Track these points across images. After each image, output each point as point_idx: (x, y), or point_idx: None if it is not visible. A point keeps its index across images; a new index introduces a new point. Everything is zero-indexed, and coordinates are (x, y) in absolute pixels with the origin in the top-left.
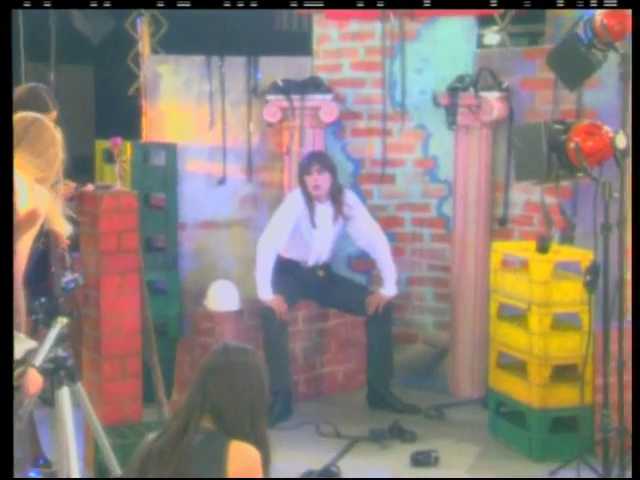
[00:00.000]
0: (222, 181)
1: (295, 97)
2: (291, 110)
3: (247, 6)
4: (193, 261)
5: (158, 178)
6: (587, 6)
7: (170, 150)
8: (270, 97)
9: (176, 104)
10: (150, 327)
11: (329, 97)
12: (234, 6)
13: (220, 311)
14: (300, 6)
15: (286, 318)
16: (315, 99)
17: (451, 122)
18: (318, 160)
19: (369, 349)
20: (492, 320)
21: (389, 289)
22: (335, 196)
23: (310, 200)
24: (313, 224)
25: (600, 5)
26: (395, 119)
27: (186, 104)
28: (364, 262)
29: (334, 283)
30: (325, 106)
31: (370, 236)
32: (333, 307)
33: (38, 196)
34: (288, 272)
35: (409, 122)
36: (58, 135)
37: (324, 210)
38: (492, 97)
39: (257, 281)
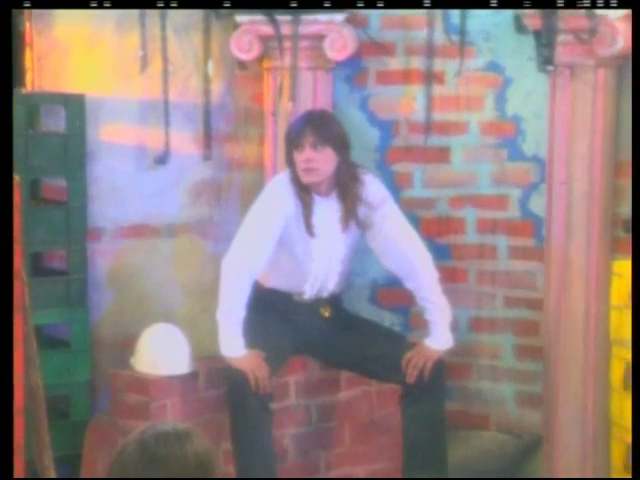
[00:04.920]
0: (162, 159)
1: (283, 18)
2: (277, 40)
3: (248, 6)
4: (112, 291)
5: (54, 153)
6: (592, 6)
7: (74, 106)
8: (242, 18)
9: (84, 30)
10: (40, 404)
11: (339, 18)
12: (234, 6)
13: (159, 376)
14: (300, 6)
15: (268, 388)
16: (317, 22)
17: (545, 59)
18: (313, 126)
19: (407, 439)
20: (615, 392)
21: (439, 339)
22: (345, 186)
23: (304, 192)
24: (310, 231)
25: (600, 5)
26: (450, 55)
27: (101, 30)
28: (397, 293)
29: (347, 329)
30: (333, 33)
31: (405, 252)
32: (346, 369)
33: None
34: (272, 311)
35: (473, 60)
36: None
37: (327, 208)
38: (616, 16)
39: (220, 327)
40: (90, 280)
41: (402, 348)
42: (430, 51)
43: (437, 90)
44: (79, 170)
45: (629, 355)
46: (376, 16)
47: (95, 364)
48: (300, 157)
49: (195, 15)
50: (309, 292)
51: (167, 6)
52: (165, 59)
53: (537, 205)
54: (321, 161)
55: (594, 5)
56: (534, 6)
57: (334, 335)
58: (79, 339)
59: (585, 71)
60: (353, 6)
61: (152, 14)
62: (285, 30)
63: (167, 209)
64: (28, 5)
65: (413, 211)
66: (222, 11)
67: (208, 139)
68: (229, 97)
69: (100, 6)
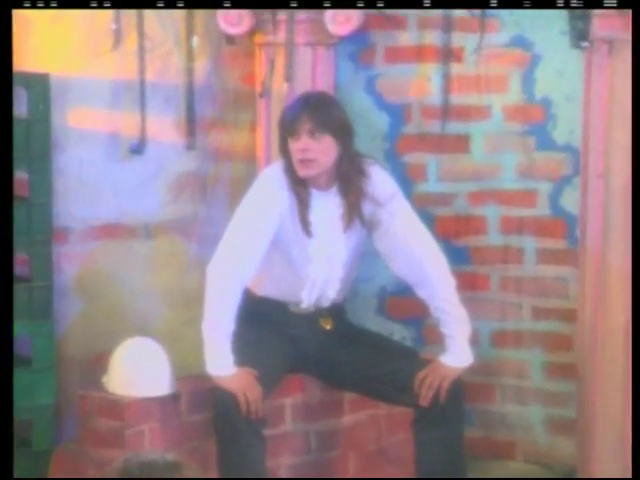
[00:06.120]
0: (139, 148)
1: None
2: (271, 12)
3: (248, 6)
4: (81, 301)
5: (14, 141)
6: (588, 6)
7: (38, 88)
8: None
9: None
10: None
11: None
12: (235, 6)
13: (135, 398)
14: (300, 6)
15: (261, 411)
16: None
17: (580, 33)
18: (311, 111)
19: (420, 470)
20: None
21: (457, 356)
22: (348, 178)
23: (300, 185)
24: (307, 230)
25: (600, 5)
26: (469, 28)
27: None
28: (408, 302)
29: (352, 343)
30: None
31: (417, 255)
32: (350, 389)
33: None
34: (265, 323)
35: (496, 34)
36: None
37: (327, 204)
38: None
39: (206, 341)
40: (56, 288)
41: (414, 366)
42: (447, 24)
43: (455, 69)
44: (43, 161)
45: None
46: None
47: (61, 384)
48: (296, 146)
49: None
50: (307, 301)
51: (168, 6)
52: (142, 34)
53: (570, 201)
54: (320, 151)
55: (594, 5)
56: (534, 6)
57: (336, 350)
58: (43, 355)
59: (625, 47)
60: (353, 6)
61: None
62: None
63: (144, 206)
64: (28, 5)
65: (427, 208)
66: None
67: (191, 125)
68: (215, 77)
69: (100, 6)
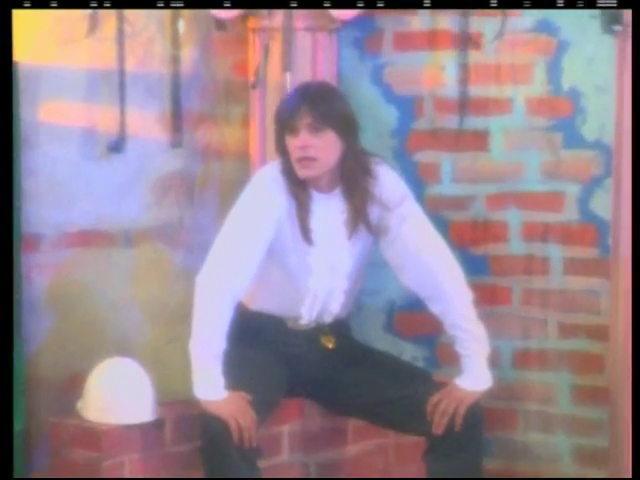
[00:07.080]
0: (118, 146)
1: None
2: None
3: (247, 6)
4: (54, 316)
5: None
6: (588, 6)
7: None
8: None
9: None
10: None
11: None
12: (235, 6)
13: (113, 425)
14: (300, 5)
15: (255, 440)
16: None
17: (611, 17)
18: (311, 103)
19: None
20: None
21: (474, 378)
22: (353, 179)
23: (300, 187)
24: (307, 237)
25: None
26: (489, 11)
27: None
28: (420, 318)
29: (357, 364)
30: None
31: (429, 265)
32: (355, 415)
33: None
34: (260, 341)
35: (519, 18)
36: None
37: (329, 208)
38: None
39: (194, 362)
40: (25, 301)
41: (427, 389)
42: (464, 10)
43: (472, 57)
44: (12, 160)
45: None
46: None
47: (31, 410)
48: (294, 143)
49: None
50: (307, 316)
51: (167, 6)
52: (121, 17)
53: (601, 205)
54: (321, 148)
55: (594, 5)
56: (534, 6)
57: (339, 372)
58: (11, 376)
59: None
60: (353, 6)
61: None
62: None
63: (124, 210)
64: (28, 5)
65: (441, 212)
66: None
67: (177, 120)
68: (204, 66)
69: (100, 6)
